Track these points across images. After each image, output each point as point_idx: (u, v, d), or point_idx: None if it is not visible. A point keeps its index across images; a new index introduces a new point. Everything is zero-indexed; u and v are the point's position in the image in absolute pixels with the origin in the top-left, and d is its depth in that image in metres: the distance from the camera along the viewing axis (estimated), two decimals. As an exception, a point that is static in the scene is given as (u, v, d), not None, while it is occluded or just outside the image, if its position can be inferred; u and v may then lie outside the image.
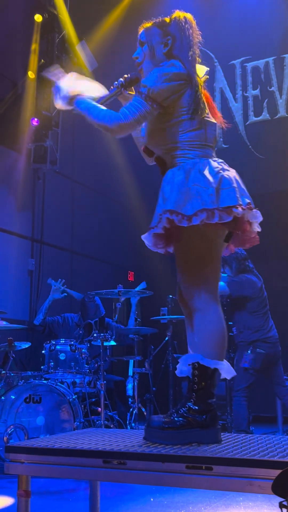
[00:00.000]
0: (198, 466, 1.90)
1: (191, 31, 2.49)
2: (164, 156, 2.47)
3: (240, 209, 2.22)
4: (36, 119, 6.66)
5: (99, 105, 2.45)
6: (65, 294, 5.86)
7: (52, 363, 4.74)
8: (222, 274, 5.39)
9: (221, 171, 2.31)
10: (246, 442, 2.21)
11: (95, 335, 4.72)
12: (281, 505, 1.46)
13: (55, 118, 6.91)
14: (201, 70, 2.55)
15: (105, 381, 4.58)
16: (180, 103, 2.39)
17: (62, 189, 7.78)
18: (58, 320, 5.82)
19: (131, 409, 5.22)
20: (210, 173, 2.29)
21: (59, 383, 4.56)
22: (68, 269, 7.60)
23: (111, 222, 8.58)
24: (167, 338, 5.79)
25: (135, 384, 5.18)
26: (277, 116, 8.15)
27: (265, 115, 8.23)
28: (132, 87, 2.58)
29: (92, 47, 7.38)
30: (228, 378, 2.34)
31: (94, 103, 2.47)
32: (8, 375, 4.56)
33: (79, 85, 2.52)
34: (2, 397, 4.38)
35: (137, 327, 5.81)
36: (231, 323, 5.27)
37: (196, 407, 2.21)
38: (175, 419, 2.21)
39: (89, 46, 7.29)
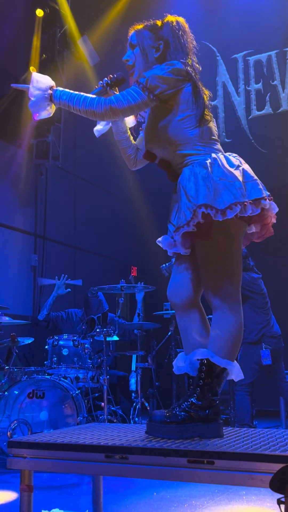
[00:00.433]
0: (200, 460, 1.90)
1: (185, 36, 2.47)
2: (171, 157, 2.42)
3: (267, 200, 2.26)
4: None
5: (82, 93, 2.39)
6: (69, 289, 5.87)
7: (55, 358, 4.75)
8: None
9: (240, 164, 2.33)
10: (248, 436, 2.21)
11: (98, 330, 4.73)
12: (279, 502, 1.46)
13: (57, 113, 6.89)
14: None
15: (108, 376, 4.58)
16: (180, 99, 2.36)
17: (65, 185, 7.78)
18: (62, 316, 5.83)
19: (134, 404, 5.23)
20: (231, 167, 2.29)
21: (62, 378, 4.57)
22: (71, 264, 7.61)
23: (114, 217, 8.58)
24: (170, 333, 5.80)
25: (138, 379, 5.19)
26: (279, 110, 8.11)
27: (267, 109, 8.20)
28: (117, 88, 2.55)
29: (94, 41, 7.36)
30: (236, 380, 2.33)
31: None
32: (11, 370, 4.57)
33: (48, 80, 2.44)
34: (6, 393, 4.40)
35: (140, 322, 5.82)
36: None
37: (199, 403, 2.21)
38: (177, 413, 2.21)
39: (91, 40, 7.28)
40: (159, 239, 2.54)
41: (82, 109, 2.35)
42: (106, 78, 2.51)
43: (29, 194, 7.02)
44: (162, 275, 4.85)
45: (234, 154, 2.40)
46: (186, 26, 2.50)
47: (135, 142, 2.66)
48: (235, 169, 2.29)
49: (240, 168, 2.31)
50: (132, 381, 5.96)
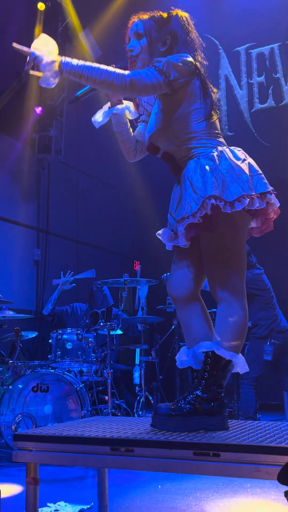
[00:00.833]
0: (205, 452, 1.90)
1: (194, 32, 2.45)
2: (176, 150, 2.41)
3: (273, 195, 2.28)
4: (39, 108, 6.64)
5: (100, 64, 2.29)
6: (74, 284, 5.88)
7: (59, 352, 4.76)
8: None
9: (246, 158, 2.34)
10: (253, 429, 2.21)
11: (101, 324, 4.73)
12: (286, 494, 1.47)
13: (59, 107, 6.90)
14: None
15: (112, 370, 4.59)
16: (188, 92, 2.36)
17: (67, 179, 7.78)
18: (67, 310, 5.84)
19: (138, 398, 5.24)
20: (237, 160, 2.30)
21: (66, 372, 4.58)
22: (74, 259, 7.61)
23: (117, 211, 8.58)
24: (173, 326, 5.80)
25: (142, 372, 5.20)
26: (282, 103, 8.08)
27: (270, 102, 8.17)
28: None
29: (96, 35, 7.34)
30: (241, 372, 2.33)
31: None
32: (15, 364, 4.58)
33: (54, 45, 2.30)
34: (10, 387, 4.41)
35: (143, 316, 5.82)
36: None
37: (204, 395, 2.21)
38: (183, 406, 2.21)
39: (92, 34, 7.25)
40: (159, 231, 2.53)
41: (98, 79, 2.24)
42: None
43: (31, 188, 7.02)
44: (165, 270, 4.85)
45: (238, 148, 2.40)
46: (191, 22, 2.49)
47: (133, 134, 2.65)
48: (241, 162, 2.30)
49: (246, 161, 2.32)
50: (136, 374, 5.97)
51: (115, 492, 3.23)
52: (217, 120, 2.45)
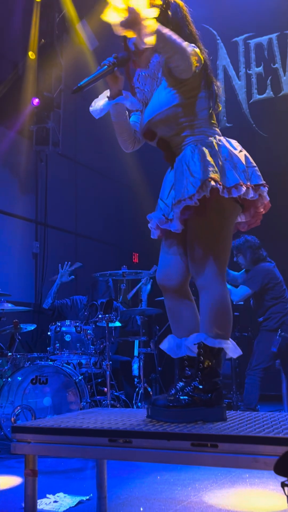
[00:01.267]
0: (203, 443, 1.91)
1: (191, 24, 2.42)
2: (173, 136, 2.40)
3: (266, 188, 2.31)
4: (36, 99, 6.60)
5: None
6: (73, 276, 5.87)
7: (58, 345, 4.77)
8: (235, 273, 5.44)
9: (242, 149, 2.37)
10: (252, 420, 2.21)
11: (100, 316, 4.74)
12: (283, 485, 1.47)
13: (57, 99, 6.86)
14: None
15: (110, 362, 4.60)
16: (196, 80, 2.35)
17: (65, 171, 7.75)
18: (67, 303, 5.84)
19: (137, 389, 5.25)
20: (235, 149, 2.33)
21: (65, 364, 4.58)
22: (72, 251, 7.61)
23: (115, 203, 8.56)
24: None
25: (141, 364, 5.21)
26: (281, 94, 8.04)
27: (268, 93, 8.13)
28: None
29: (93, 26, 7.28)
30: (234, 357, 2.34)
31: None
32: (14, 356, 4.59)
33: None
34: (9, 379, 4.42)
35: (142, 307, 5.82)
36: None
37: (202, 386, 2.22)
38: (181, 397, 2.22)
39: (90, 25, 7.20)
40: (150, 214, 2.52)
41: (179, 47, 2.16)
42: (111, 57, 2.34)
43: (29, 181, 7.00)
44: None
45: (234, 140, 2.42)
46: (187, 10, 2.46)
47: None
48: (238, 152, 2.33)
49: (242, 152, 2.36)
50: (135, 366, 5.98)
51: (114, 483, 3.25)
52: (215, 112, 2.45)
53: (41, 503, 2.90)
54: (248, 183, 2.26)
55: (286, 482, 1.47)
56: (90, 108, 2.50)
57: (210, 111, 2.39)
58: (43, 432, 2.20)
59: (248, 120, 8.23)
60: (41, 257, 6.98)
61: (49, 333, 4.91)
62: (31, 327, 5.00)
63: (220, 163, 2.26)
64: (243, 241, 5.25)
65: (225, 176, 2.24)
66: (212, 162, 2.24)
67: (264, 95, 8.17)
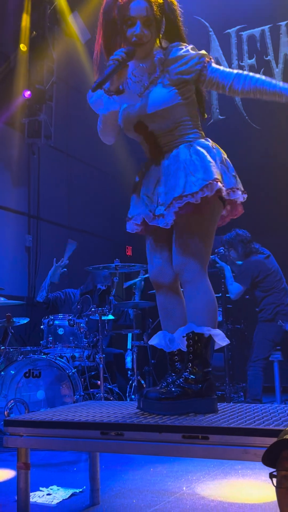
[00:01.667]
0: (194, 435, 1.92)
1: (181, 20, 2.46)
2: (166, 133, 2.39)
3: (245, 194, 2.41)
4: (28, 91, 6.56)
5: None
6: (65, 270, 5.86)
7: (51, 338, 4.77)
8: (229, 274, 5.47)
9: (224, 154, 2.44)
10: (243, 412, 2.23)
11: (93, 309, 4.74)
12: (271, 476, 1.49)
13: (49, 91, 6.82)
14: None
15: (104, 355, 4.61)
16: (194, 81, 2.41)
17: (58, 164, 7.72)
18: (60, 296, 5.84)
19: (130, 382, 5.27)
20: (224, 155, 2.42)
21: (58, 358, 4.59)
22: (65, 244, 7.59)
23: (108, 196, 8.54)
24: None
25: (134, 357, 5.22)
26: (273, 86, 8.02)
27: (261, 85, 8.11)
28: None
29: (85, 18, 7.24)
30: (223, 345, 2.36)
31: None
32: (7, 350, 4.59)
33: None
34: (2, 372, 4.42)
35: (135, 301, 5.83)
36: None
37: (193, 377, 2.24)
38: (172, 389, 2.23)
39: (82, 17, 7.15)
40: (133, 211, 2.52)
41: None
42: (119, 53, 2.32)
43: (21, 174, 6.97)
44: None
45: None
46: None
47: None
48: (226, 157, 2.42)
49: (226, 159, 2.43)
50: (128, 359, 5.99)
51: (107, 475, 3.26)
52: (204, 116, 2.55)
53: (35, 496, 2.91)
54: (239, 186, 2.37)
55: (274, 473, 1.48)
56: (91, 103, 2.48)
57: (198, 111, 2.47)
58: (35, 425, 2.20)
59: (241, 113, 8.20)
60: (34, 251, 6.96)
61: (42, 326, 4.91)
62: (24, 320, 5.00)
63: (218, 165, 2.33)
64: (234, 235, 5.25)
65: (223, 179, 2.32)
66: (215, 164, 2.30)
67: (257, 87, 8.14)
